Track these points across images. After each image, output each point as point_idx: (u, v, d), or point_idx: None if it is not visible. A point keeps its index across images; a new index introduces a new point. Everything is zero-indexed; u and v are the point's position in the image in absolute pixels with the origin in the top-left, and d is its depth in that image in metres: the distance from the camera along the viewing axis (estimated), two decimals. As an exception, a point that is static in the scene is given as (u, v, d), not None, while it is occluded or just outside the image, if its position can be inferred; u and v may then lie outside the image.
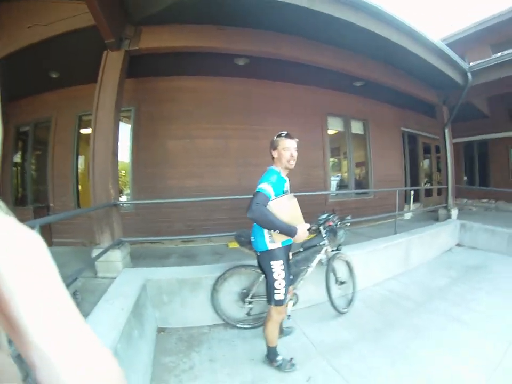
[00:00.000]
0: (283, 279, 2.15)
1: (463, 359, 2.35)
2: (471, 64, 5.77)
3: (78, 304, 2.44)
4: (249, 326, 2.97)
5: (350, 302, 3.34)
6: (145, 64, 4.39)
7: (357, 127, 6.92)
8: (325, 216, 3.11)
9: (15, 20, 3.99)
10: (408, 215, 7.10)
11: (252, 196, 1.98)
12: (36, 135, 5.88)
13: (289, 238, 2.07)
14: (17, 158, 6.06)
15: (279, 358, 2.35)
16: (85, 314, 2.29)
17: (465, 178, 10.16)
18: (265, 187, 1.97)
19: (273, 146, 2.13)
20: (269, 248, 2.11)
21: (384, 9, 3.85)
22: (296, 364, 2.36)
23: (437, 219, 6.49)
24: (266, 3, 3.27)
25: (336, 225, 3.09)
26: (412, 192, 7.54)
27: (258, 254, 2.22)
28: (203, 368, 2.43)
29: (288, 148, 2.08)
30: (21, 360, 1.03)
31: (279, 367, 2.33)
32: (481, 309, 3.22)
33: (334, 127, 6.68)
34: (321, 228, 3.03)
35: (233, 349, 2.68)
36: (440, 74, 5.37)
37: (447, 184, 6.58)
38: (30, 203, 5.67)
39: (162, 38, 3.77)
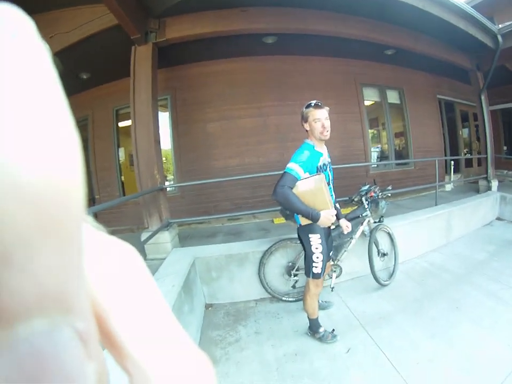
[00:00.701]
0: (320, 252, 2.13)
1: (500, 338, 2.28)
2: (501, 26, 5.42)
3: None
4: (294, 299, 3.06)
5: (392, 274, 3.33)
6: (174, 53, 4.47)
7: (393, 97, 6.73)
8: (366, 187, 3.10)
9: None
10: (449, 186, 6.84)
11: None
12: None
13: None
14: None
15: (321, 329, 2.39)
16: None
17: (505, 148, 9.44)
18: (293, 167, 1.90)
19: (304, 119, 2.03)
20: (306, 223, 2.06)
21: None
22: (338, 335, 2.41)
23: (477, 191, 6.20)
24: None
25: (378, 196, 3.08)
26: (452, 163, 7.22)
27: (298, 227, 2.21)
28: (249, 340, 2.54)
29: (319, 119, 1.95)
30: None
31: (321, 339, 2.37)
32: None
33: (370, 98, 6.54)
34: (363, 199, 3.03)
35: (278, 321, 2.78)
36: (470, 38, 5.07)
37: (486, 154, 6.24)
38: (76, 198, 6.09)
39: (187, 26, 3.82)
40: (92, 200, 5.73)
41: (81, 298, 0.11)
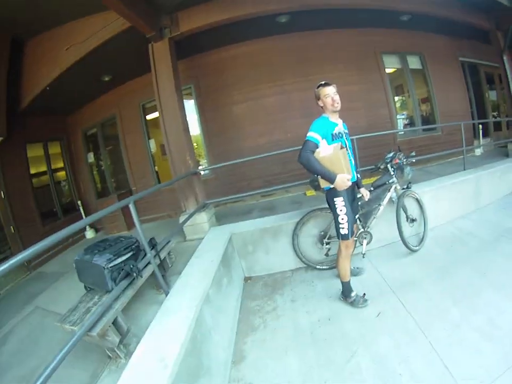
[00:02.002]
0: (345, 214, 2.33)
1: None
2: None
3: (173, 264, 2.87)
4: (328, 267, 3.21)
5: (421, 240, 3.40)
6: (192, 43, 4.60)
7: (414, 62, 6.56)
8: (391, 154, 3.18)
9: (51, 47, 4.45)
10: (478, 151, 6.60)
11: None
12: (104, 133, 6.55)
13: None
14: (91, 158, 6.78)
15: (352, 294, 2.56)
16: (179, 271, 2.60)
17: None
18: (312, 135, 2.21)
19: (317, 97, 2.35)
20: (331, 186, 2.26)
21: None
22: (369, 300, 2.53)
23: (507, 155, 5.91)
24: None
25: (403, 162, 3.14)
26: (481, 127, 6.95)
27: (326, 193, 2.43)
28: (285, 307, 2.73)
29: (328, 94, 2.26)
30: (117, 325, 1.71)
31: (353, 303, 2.54)
32: None
33: (391, 65, 6.43)
34: (388, 166, 3.11)
35: (312, 289, 2.95)
36: None
37: (513, 116, 5.90)
38: (112, 192, 6.43)
39: (200, 17, 3.94)
40: (129, 192, 6.07)
41: None
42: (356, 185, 2.62)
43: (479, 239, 3.45)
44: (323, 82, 2.33)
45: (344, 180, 2.16)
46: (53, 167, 6.29)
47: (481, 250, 3.19)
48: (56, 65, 4.48)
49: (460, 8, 5.24)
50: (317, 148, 2.21)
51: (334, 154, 2.18)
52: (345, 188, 2.22)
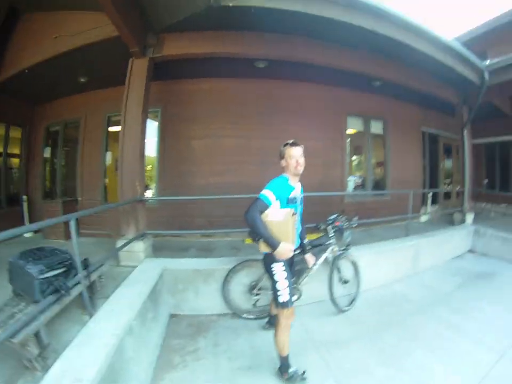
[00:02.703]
0: (285, 278, 2.17)
1: (454, 366, 2.41)
2: (489, 62, 5.52)
3: (102, 287, 2.83)
4: (254, 317, 3.20)
5: (352, 301, 3.47)
6: (169, 68, 4.61)
7: (376, 127, 6.89)
8: (333, 216, 3.27)
9: (41, 30, 4.40)
10: (424, 217, 7.03)
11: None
12: (66, 134, 6.33)
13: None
14: (47, 153, 6.50)
15: (291, 370, 2.28)
16: (107, 296, 2.59)
17: (486, 181, 9.68)
18: (267, 194, 2.06)
19: (281, 155, 2.21)
20: (268, 252, 2.12)
21: (392, 11, 3.85)
22: (307, 378, 2.28)
23: (452, 223, 6.39)
24: (278, 12, 3.39)
25: (344, 226, 3.25)
26: (430, 194, 7.43)
27: (263, 256, 2.27)
28: (207, 350, 2.69)
29: (294, 156, 2.13)
30: (39, 337, 1.72)
31: (289, 380, 2.25)
32: (481, 317, 3.23)
33: (354, 127, 6.69)
34: (328, 227, 3.21)
35: (236, 336, 2.91)
36: (457, 74, 5.26)
37: (463, 187, 6.45)
38: (58, 196, 6.14)
39: (184, 45, 4.00)
40: (75, 201, 5.82)
41: None
42: (301, 250, 2.61)
43: (413, 302, 3.63)
44: (291, 142, 2.20)
45: (287, 250, 2.03)
46: (9, 151, 6.04)
47: (415, 314, 3.34)
48: (41, 51, 4.38)
49: (431, 81, 5.68)
50: (267, 209, 2.05)
51: (283, 222, 2.06)
52: (286, 258, 2.10)
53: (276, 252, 2.03)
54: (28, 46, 4.56)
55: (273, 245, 2.01)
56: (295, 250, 2.27)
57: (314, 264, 3.10)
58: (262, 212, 2.03)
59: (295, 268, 2.81)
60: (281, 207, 2.11)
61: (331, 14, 3.52)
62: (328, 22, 3.59)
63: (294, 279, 2.59)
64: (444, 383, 2.26)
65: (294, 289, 2.83)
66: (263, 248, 2.12)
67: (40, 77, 4.87)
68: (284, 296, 2.16)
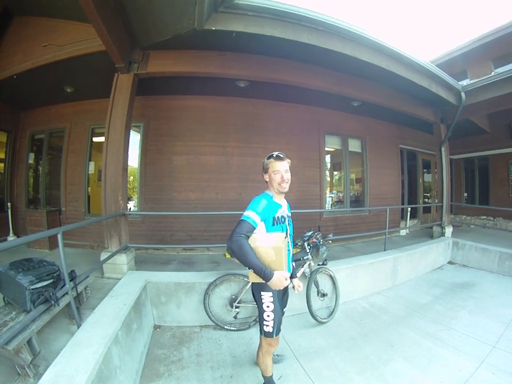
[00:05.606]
0: (272, 311, 1.97)
1: (431, 375, 2.49)
2: (465, 83, 5.87)
3: (88, 298, 2.90)
4: (235, 329, 3.29)
5: (331, 313, 3.59)
6: (153, 84, 4.72)
7: (354, 145, 7.08)
8: (310, 233, 3.44)
9: (32, 36, 4.46)
10: (403, 232, 7.23)
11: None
12: (51, 142, 6.31)
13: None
14: (31, 160, 6.44)
15: None
16: (93, 306, 2.69)
17: (465, 194, 10.14)
18: (250, 215, 1.78)
19: (264, 170, 1.99)
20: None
21: (370, 37, 4.07)
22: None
23: (431, 236, 6.61)
24: (258, 36, 3.57)
25: (319, 242, 3.40)
26: (409, 209, 7.67)
27: (252, 283, 2.05)
28: (190, 360, 2.76)
29: (279, 171, 1.91)
30: (31, 345, 1.88)
31: None
32: (460, 327, 3.33)
33: (331, 145, 6.87)
34: (305, 244, 3.35)
35: (219, 347, 3.00)
36: (434, 94, 5.51)
37: (442, 202, 6.69)
38: (42, 206, 6.09)
39: (168, 63, 4.10)
40: (58, 212, 5.79)
41: None
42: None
43: (391, 314, 3.73)
44: (275, 155, 1.94)
45: (282, 279, 1.72)
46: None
47: (392, 324, 3.44)
48: (31, 57, 4.41)
49: (409, 101, 5.92)
50: (254, 231, 1.77)
51: (275, 247, 1.75)
52: (282, 288, 1.78)
53: (270, 283, 1.73)
54: (18, 51, 4.58)
55: (265, 276, 1.70)
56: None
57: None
58: (248, 237, 1.75)
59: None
60: (267, 230, 1.86)
61: (309, 40, 3.71)
62: (306, 46, 3.79)
63: (285, 308, 2.23)
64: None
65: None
66: (253, 278, 1.84)
67: (28, 83, 4.89)
68: (269, 327, 2.00)
